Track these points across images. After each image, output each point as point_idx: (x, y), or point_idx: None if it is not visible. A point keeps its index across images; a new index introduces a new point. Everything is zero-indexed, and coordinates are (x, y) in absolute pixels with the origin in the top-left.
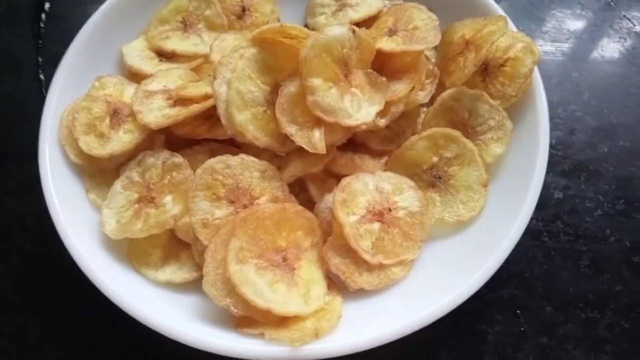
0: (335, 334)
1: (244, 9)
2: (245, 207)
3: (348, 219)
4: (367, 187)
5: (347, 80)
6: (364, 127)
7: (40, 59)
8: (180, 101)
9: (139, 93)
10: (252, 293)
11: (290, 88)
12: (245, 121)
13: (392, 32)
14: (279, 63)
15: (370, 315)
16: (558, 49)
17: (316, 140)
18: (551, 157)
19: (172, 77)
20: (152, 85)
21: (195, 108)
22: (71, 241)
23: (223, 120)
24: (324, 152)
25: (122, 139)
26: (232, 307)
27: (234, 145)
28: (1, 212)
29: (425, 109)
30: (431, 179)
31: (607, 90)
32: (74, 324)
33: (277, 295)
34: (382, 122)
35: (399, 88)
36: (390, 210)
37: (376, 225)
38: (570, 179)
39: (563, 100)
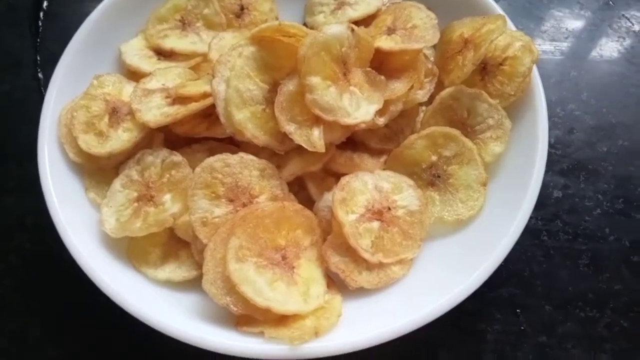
0: (334, 333)
1: (242, 8)
2: (244, 205)
3: (347, 218)
4: (366, 186)
5: (345, 79)
6: (363, 125)
7: (38, 58)
8: (179, 100)
9: (137, 91)
10: (251, 291)
11: (289, 86)
12: (244, 120)
13: (390, 31)
14: (277, 61)
15: (370, 313)
16: (557, 48)
17: (315, 139)
18: (550, 156)
19: (170, 76)
20: (151, 83)
21: (194, 106)
22: (71, 240)
23: (222, 119)
24: (323, 150)
25: (121, 138)
26: (231, 306)
27: (233, 143)
28: (0, 211)
29: (424, 107)
30: (430, 177)
31: (606, 89)
32: (73, 324)
33: (277, 293)
34: (381, 120)
35: (398, 87)
36: (389, 209)
37: (375, 224)
38: (569, 178)
39: (562, 99)
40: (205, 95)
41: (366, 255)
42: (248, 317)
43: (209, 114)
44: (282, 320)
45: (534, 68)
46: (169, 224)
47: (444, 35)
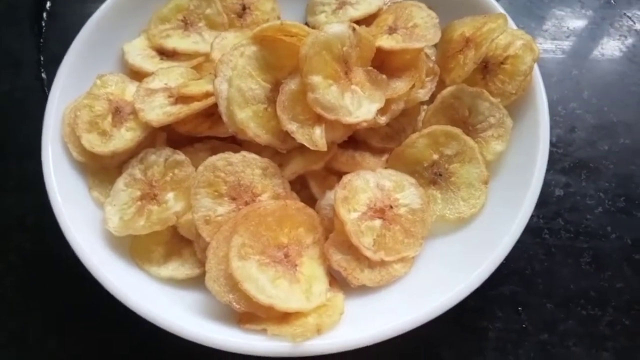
0: (337, 330)
1: (244, 8)
2: (247, 204)
3: (349, 216)
4: (368, 184)
5: (347, 78)
6: (364, 124)
7: (41, 58)
8: (182, 99)
9: (140, 91)
10: (254, 289)
11: (290, 85)
12: (247, 119)
13: (392, 30)
14: (279, 61)
15: (372, 311)
16: (558, 47)
17: (317, 138)
18: (551, 154)
19: (173, 75)
20: (154, 83)
21: (196, 106)
22: (74, 238)
23: (224, 118)
24: (325, 149)
25: (124, 137)
26: (234, 303)
27: (236, 142)
28: (0, 211)
29: (425, 106)
30: (432, 176)
31: (607, 88)
32: (74, 323)
33: (279, 291)
34: (383, 119)
35: (399, 86)
36: (391, 207)
37: (377, 222)
38: (570, 176)
39: (563, 98)
40: (207, 95)
41: (368, 253)
42: (250, 314)
43: (212, 113)
44: (284, 317)
45: (535, 67)
46: (172, 223)
47: (445, 34)
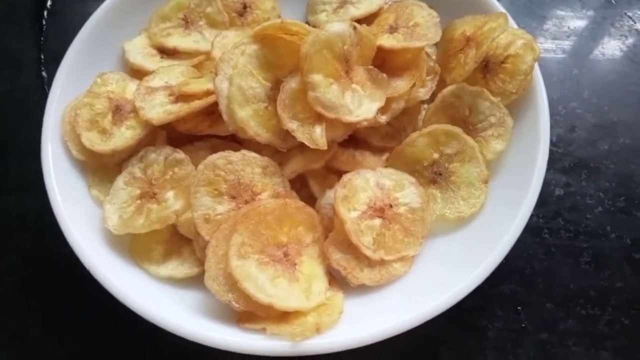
0: (336, 329)
1: (245, 6)
2: (246, 202)
3: (349, 215)
4: (368, 183)
5: (348, 77)
6: (365, 123)
7: (42, 56)
8: (182, 97)
9: (141, 89)
10: (253, 288)
11: (291, 84)
12: (247, 117)
13: (392, 29)
14: (280, 59)
15: (372, 310)
16: (559, 46)
17: (317, 137)
18: (552, 154)
19: (173, 74)
20: (154, 81)
21: (197, 104)
22: (73, 236)
23: (224, 117)
24: (325, 148)
25: (125, 135)
26: (233, 302)
27: (236, 141)
28: (0, 211)
29: (426, 105)
30: (432, 175)
31: (608, 88)
32: (74, 323)
33: (279, 290)
34: (383, 118)
35: (400, 85)
36: (391, 206)
37: (377, 221)
38: (570, 176)
39: (563, 97)
40: (208, 93)
41: (368, 253)
42: (250, 313)
43: (212, 112)
44: (283, 316)
45: (536, 66)
46: (171, 221)
47: (446, 33)
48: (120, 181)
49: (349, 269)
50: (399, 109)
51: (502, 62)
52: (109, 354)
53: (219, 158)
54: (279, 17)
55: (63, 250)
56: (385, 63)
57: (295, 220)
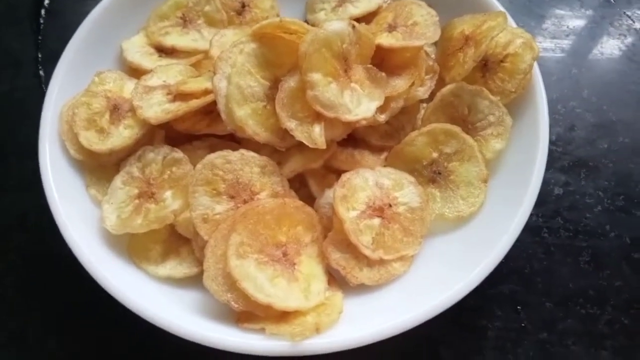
0: (336, 329)
1: (243, 5)
2: (245, 202)
3: (348, 214)
4: (367, 183)
5: (346, 76)
6: (363, 122)
7: (39, 55)
8: (180, 96)
9: (138, 88)
10: (252, 288)
11: (290, 83)
12: (245, 116)
13: (391, 28)
14: (278, 58)
15: (371, 310)
16: (558, 45)
17: (316, 136)
18: (551, 153)
19: (172, 73)
20: (152, 80)
21: (195, 103)
22: (71, 236)
23: (223, 116)
24: (324, 147)
25: (122, 134)
26: (232, 302)
27: (234, 140)
28: (0, 210)
29: (424, 104)
30: (431, 174)
31: (607, 87)
32: (74, 323)
33: (278, 290)
34: (382, 117)
35: (399, 84)
36: (390, 205)
37: (376, 221)
38: (570, 175)
39: (563, 96)
40: (206, 92)
41: (367, 252)
42: (249, 313)
43: (210, 111)
44: (283, 316)
45: (535, 65)
46: (169, 221)
47: (445, 32)
48: (118, 181)
49: (348, 268)
50: (397, 108)
51: (501, 61)
52: (109, 354)
53: (217, 157)
54: (278, 15)
55: (63, 250)
56: (384, 62)
57: (294, 220)
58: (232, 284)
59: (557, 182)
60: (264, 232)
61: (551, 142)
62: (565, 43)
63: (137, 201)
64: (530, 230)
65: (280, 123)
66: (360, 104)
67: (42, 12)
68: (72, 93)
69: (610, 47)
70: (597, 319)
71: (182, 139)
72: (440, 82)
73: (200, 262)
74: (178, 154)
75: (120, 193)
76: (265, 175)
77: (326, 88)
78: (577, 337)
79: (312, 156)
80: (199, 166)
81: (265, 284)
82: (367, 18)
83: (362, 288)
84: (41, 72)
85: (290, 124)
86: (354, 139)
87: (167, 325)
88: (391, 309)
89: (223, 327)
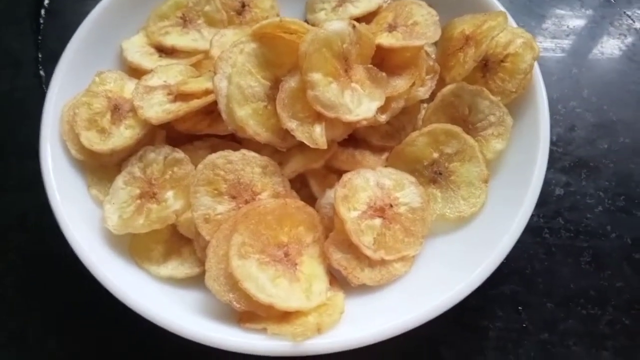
0: (337, 329)
1: (243, 5)
2: (246, 202)
3: (349, 215)
4: (368, 183)
5: (347, 76)
6: (364, 122)
7: (40, 55)
8: (181, 96)
9: (139, 88)
10: (254, 288)
11: (290, 83)
12: (246, 116)
13: (392, 28)
14: (279, 58)
15: (372, 310)
16: (558, 45)
17: (317, 136)
18: (551, 153)
19: (172, 73)
20: (153, 80)
21: (195, 103)
22: (73, 236)
23: (224, 116)
24: (325, 147)
25: (123, 135)
26: (234, 302)
27: (235, 140)
28: (0, 210)
29: (425, 104)
30: (432, 174)
31: (607, 87)
32: (74, 323)
33: (279, 290)
34: (383, 117)
35: (399, 84)
36: (391, 206)
37: (377, 221)
38: (570, 175)
39: (563, 96)
40: (207, 92)
41: (368, 252)
42: (251, 313)
43: (211, 111)
44: (284, 316)
45: (536, 65)
46: (171, 221)
47: (445, 32)
48: (119, 181)
49: (349, 268)
50: (398, 108)
51: (502, 61)
52: (109, 354)
53: (218, 157)
54: (278, 15)
55: (63, 250)
56: (384, 62)
57: (295, 220)
58: (234, 284)
59: (557, 183)
60: (266, 232)
61: (552, 143)
62: (566, 43)
63: (138, 201)
64: (531, 230)
65: (281, 123)
66: (360, 104)
67: (42, 12)
68: (73, 93)
69: (610, 47)
70: (598, 320)
71: (183, 139)
72: (441, 82)
73: (201, 262)
74: (179, 154)
75: (122, 193)
76: (267, 176)
77: (327, 88)
78: (578, 337)
79: (313, 156)
80: (200, 166)
81: (267, 284)
82: (367, 18)
83: (363, 288)
84: (41, 72)
85: (291, 124)
86: (355, 139)
87: (169, 325)
88: (392, 310)
89: (225, 327)
